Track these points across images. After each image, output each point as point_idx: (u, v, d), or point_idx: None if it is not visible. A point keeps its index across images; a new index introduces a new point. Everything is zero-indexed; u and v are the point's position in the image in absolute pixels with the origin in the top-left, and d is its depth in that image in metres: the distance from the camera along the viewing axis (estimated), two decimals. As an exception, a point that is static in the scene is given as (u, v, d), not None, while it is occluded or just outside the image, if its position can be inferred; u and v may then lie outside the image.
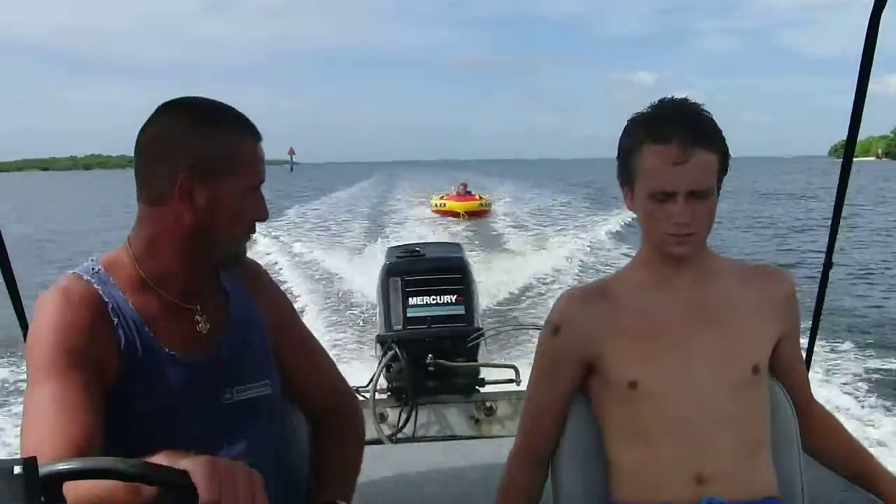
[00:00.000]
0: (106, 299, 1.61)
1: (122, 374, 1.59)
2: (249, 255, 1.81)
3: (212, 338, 1.72)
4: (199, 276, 1.72)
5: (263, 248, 19.36)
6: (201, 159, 1.60)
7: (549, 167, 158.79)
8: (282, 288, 2.00)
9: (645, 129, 1.80)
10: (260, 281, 1.89)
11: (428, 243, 6.65)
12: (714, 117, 1.82)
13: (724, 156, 1.80)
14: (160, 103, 1.68)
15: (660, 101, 1.83)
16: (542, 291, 13.33)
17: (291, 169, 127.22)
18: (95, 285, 1.63)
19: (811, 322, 3.28)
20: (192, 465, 1.17)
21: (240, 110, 1.68)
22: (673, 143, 1.75)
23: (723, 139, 1.80)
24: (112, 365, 1.58)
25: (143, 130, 1.65)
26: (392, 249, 6.03)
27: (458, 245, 6.63)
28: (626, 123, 1.86)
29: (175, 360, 1.65)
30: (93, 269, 1.66)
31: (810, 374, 2.33)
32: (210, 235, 1.65)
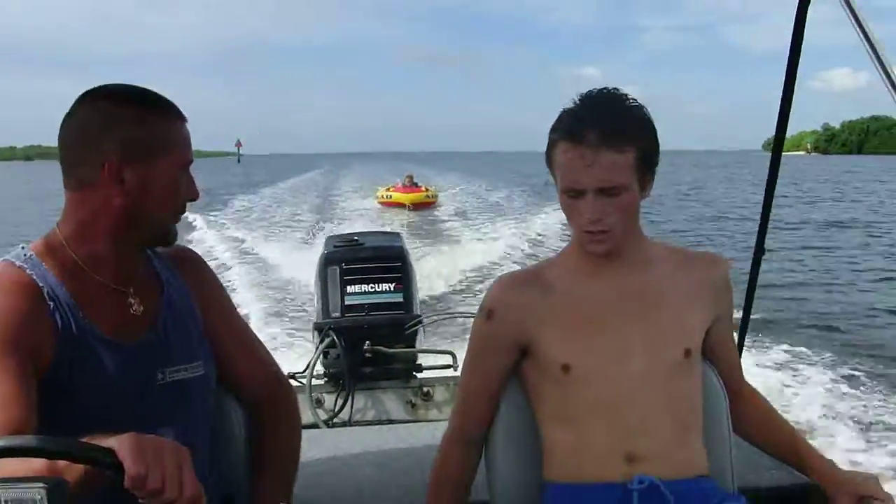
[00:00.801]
0: (40, 284, 1.61)
1: (57, 358, 1.58)
2: (191, 245, 1.79)
3: (145, 320, 1.73)
4: (132, 258, 1.73)
5: (205, 236, 19.16)
6: (130, 141, 1.61)
7: (496, 159, 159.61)
8: (222, 277, 2.02)
9: (561, 126, 1.80)
10: (195, 268, 1.90)
11: (367, 233, 6.66)
12: (644, 109, 1.81)
13: (643, 151, 1.79)
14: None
15: (584, 95, 1.83)
16: (482, 280, 13.39)
17: (239, 160, 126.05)
18: (28, 271, 1.62)
19: (743, 306, 3.32)
20: (117, 442, 1.18)
21: (179, 100, 1.70)
22: (582, 142, 1.75)
23: (644, 134, 1.79)
24: (47, 349, 1.57)
25: (67, 118, 1.65)
26: (331, 238, 6.01)
27: (397, 234, 6.64)
28: None
29: (109, 342, 1.65)
30: (24, 254, 1.66)
31: (743, 358, 2.34)
32: (141, 217, 1.66)
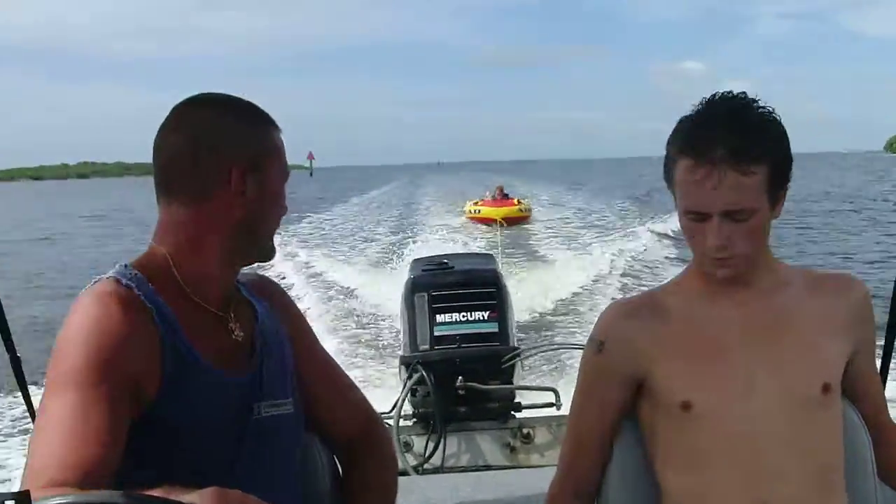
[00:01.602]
0: (149, 305, 1.63)
1: (163, 388, 1.60)
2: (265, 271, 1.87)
3: (245, 349, 1.77)
4: (233, 279, 1.80)
5: (277, 261, 19.43)
6: (251, 149, 1.71)
7: (592, 167, 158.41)
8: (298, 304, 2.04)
9: (682, 140, 1.79)
10: (279, 297, 1.95)
11: (457, 254, 6.77)
12: (776, 117, 1.80)
13: (776, 166, 1.78)
14: (177, 102, 1.77)
15: (707, 101, 1.81)
16: (585, 306, 13.35)
17: (311, 174, 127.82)
18: (137, 290, 1.64)
19: (885, 334, 3.24)
20: (199, 498, 1.18)
21: None
22: (708, 160, 1.74)
23: (777, 146, 1.78)
24: (154, 377, 1.60)
25: (169, 129, 1.72)
26: (417, 262, 6.06)
27: (490, 256, 6.71)
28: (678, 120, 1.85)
29: (213, 373, 1.68)
30: (129, 273, 1.67)
31: (887, 391, 2.30)
32: (256, 228, 1.74)
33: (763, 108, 1.79)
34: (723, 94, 1.82)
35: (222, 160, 1.69)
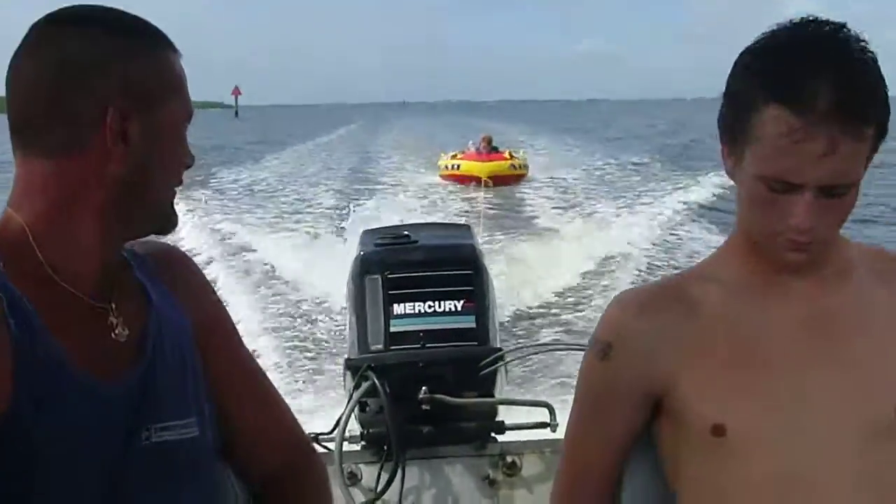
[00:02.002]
0: None
1: (17, 394, 1.59)
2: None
3: (130, 350, 1.76)
4: (114, 259, 1.77)
5: (182, 225, 19.46)
6: (134, 83, 1.67)
7: (604, 111, 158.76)
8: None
9: (773, 80, 1.75)
10: (186, 279, 1.94)
11: (422, 224, 6.79)
12: (876, 57, 1.78)
13: (883, 128, 1.78)
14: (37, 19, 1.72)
15: (799, 29, 1.79)
16: (591, 295, 13.53)
17: (237, 114, 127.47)
18: None
19: None
20: None
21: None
22: (813, 118, 1.71)
23: (885, 102, 1.78)
24: (3, 381, 1.57)
25: (24, 55, 1.69)
26: (369, 234, 6.01)
27: (466, 227, 6.63)
28: (740, 53, 1.84)
29: (86, 380, 1.66)
30: None
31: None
32: (144, 188, 1.71)
33: (867, 45, 1.78)
34: (817, 20, 1.79)
35: (95, 96, 1.65)
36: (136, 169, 1.69)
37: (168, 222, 1.79)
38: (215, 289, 2.04)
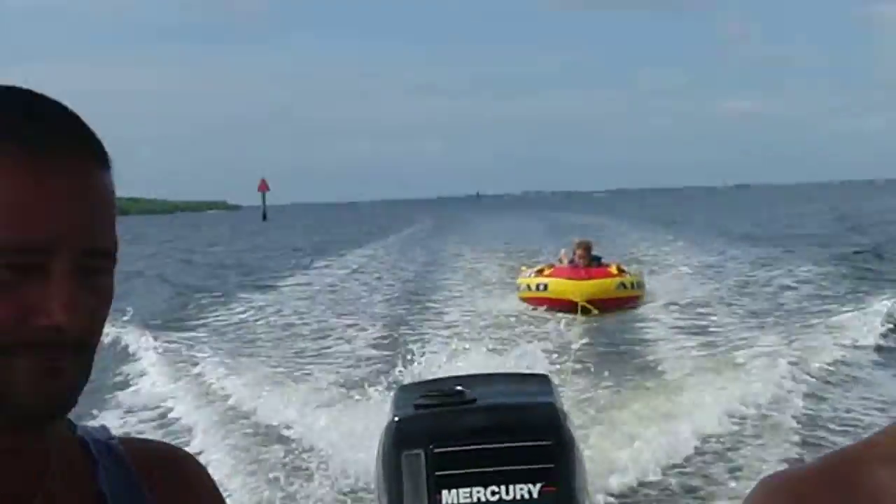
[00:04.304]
0: None
1: None
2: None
3: None
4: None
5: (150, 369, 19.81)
6: None
7: (763, 200, 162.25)
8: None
9: None
10: (189, 495, 1.95)
11: (481, 376, 7.18)
12: None
13: None
14: None
15: None
16: (716, 474, 13.25)
17: (265, 217, 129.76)
18: None
19: None
20: None
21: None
22: None
23: None
24: None
25: None
26: (407, 391, 6.28)
27: (544, 378, 6.88)
28: None
29: None
30: None
31: None
32: None
33: None
34: None
35: None
36: None
37: (21, 412, 1.67)
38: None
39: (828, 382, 18.44)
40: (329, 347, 24.80)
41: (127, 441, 1.92)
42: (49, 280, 1.64)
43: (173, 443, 2.23)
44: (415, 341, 23.87)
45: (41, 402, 1.67)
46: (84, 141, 1.71)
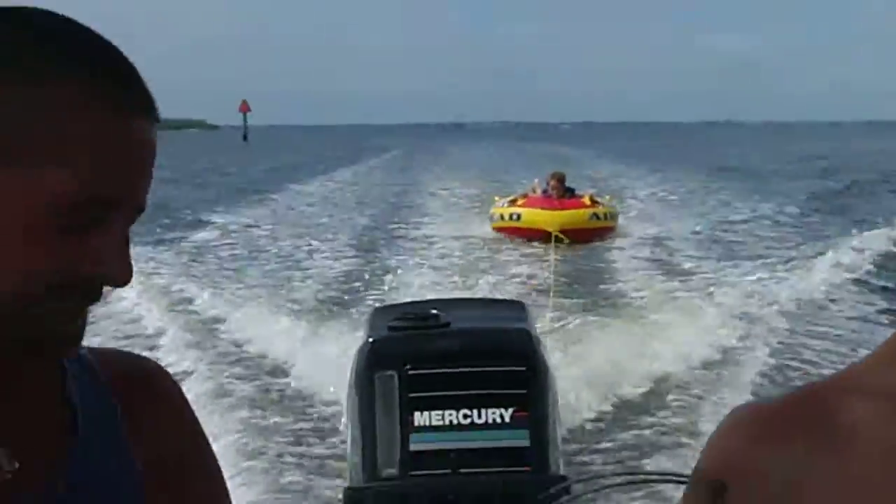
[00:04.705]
0: None
1: None
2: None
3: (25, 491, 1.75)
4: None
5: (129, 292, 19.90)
6: None
7: (733, 137, 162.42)
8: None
9: None
10: (157, 403, 1.97)
11: (456, 300, 7.36)
12: None
13: None
14: None
15: None
16: (695, 403, 13.35)
17: (245, 137, 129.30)
18: None
19: None
20: None
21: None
22: None
23: None
24: None
25: None
26: (382, 313, 6.24)
27: (518, 305, 6.96)
28: None
29: None
30: None
31: None
32: None
33: None
34: None
35: None
36: None
37: (53, 345, 1.68)
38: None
39: (804, 316, 18.46)
40: (307, 269, 24.78)
41: (97, 351, 1.94)
42: (109, 230, 1.67)
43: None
44: (390, 267, 24.05)
45: (67, 341, 1.72)
46: (152, 101, 1.73)
